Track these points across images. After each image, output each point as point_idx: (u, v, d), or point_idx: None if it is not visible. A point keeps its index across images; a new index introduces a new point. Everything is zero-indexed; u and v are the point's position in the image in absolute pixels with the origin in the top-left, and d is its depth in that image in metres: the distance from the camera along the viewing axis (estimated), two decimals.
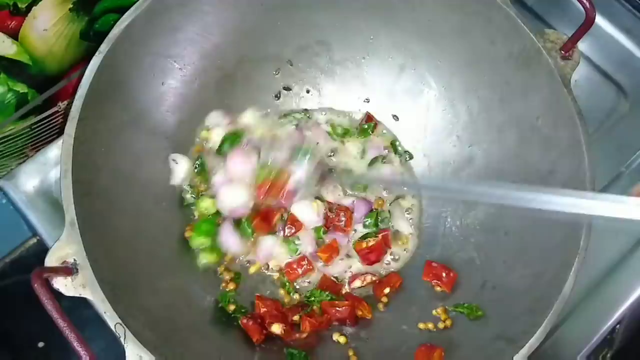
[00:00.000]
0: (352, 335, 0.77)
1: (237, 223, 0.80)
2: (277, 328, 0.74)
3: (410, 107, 0.88)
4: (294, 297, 0.80)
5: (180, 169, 0.81)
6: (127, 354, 0.58)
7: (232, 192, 0.79)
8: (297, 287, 0.81)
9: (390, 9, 0.82)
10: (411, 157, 0.89)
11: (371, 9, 0.83)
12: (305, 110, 0.90)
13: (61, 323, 0.53)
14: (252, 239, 0.80)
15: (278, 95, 0.89)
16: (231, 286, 0.79)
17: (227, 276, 0.79)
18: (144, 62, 0.74)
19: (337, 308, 0.77)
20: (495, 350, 0.65)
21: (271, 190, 0.77)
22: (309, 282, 0.81)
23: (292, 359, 0.72)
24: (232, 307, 0.76)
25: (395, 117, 0.90)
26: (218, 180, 0.81)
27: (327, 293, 0.78)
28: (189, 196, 0.81)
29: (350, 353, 0.74)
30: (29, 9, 0.71)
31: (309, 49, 0.87)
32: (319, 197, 0.83)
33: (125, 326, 0.58)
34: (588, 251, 0.64)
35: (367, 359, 0.74)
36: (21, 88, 0.78)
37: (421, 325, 0.75)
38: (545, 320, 0.62)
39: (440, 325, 0.74)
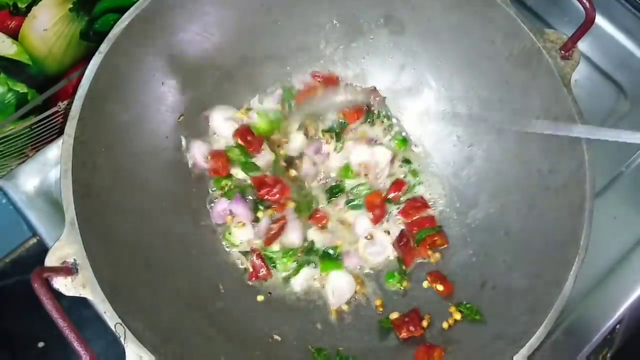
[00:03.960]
0: None
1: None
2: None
3: (410, 107, 0.88)
4: None
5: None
6: (127, 354, 0.58)
7: None
8: None
9: (390, 8, 0.82)
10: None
11: (371, 8, 0.83)
12: None
13: (61, 323, 0.53)
14: None
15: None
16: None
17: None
18: (144, 62, 0.74)
19: None
20: (495, 350, 0.65)
21: None
22: None
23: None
24: None
25: (396, 118, 0.90)
26: None
27: None
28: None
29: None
30: (29, 9, 0.71)
31: (308, 48, 0.87)
32: None
33: (125, 326, 0.58)
34: (588, 251, 0.65)
35: (367, 358, 0.74)
36: (21, 88, 0.78)
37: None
38: (545, 320, 0.62)
39: (445, 325, 0.74)
